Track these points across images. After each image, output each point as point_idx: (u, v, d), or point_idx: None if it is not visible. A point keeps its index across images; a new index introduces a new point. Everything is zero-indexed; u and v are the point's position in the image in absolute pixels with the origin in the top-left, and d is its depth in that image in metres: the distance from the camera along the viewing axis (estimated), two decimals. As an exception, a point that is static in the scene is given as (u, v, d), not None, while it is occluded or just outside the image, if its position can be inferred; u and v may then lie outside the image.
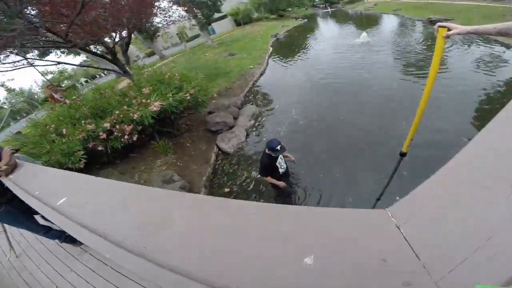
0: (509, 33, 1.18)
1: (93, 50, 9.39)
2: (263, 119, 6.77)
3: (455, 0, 15.69)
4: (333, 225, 0.68)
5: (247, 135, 5.99)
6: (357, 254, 0.59)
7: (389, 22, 16.36)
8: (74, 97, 5.05)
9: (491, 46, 7.48)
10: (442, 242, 0.53)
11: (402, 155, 2.04)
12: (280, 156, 3.15)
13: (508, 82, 5.32)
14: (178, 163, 4.97)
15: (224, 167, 5.06)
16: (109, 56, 7.97)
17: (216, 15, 24.59)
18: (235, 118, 6.51)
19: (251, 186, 4.34)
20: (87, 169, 4.37)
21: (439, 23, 1.29)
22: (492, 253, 0.48)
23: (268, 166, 3.09)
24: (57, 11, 5.54)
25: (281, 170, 3.22)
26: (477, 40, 8.03)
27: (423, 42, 9.77)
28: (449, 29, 1.26)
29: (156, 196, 1.14)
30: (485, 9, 11.58)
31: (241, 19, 34.34)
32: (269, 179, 3.17)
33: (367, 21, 19.20)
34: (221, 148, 5.50)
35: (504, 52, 6.89)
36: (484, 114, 4.60)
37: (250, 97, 8.49)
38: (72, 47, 6.12)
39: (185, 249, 0.78)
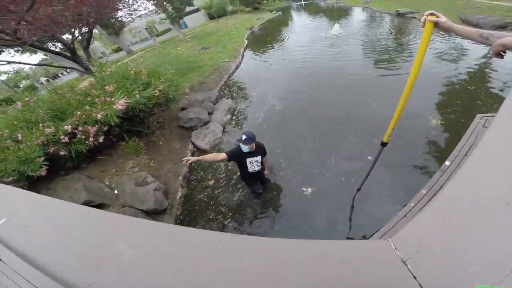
0: (489, 40, 1.15)
1: (50, 48, 8.63)
2: (241, 110, 6.67)
3: (420, -7, 16.38)
4: (330, 261, 0.58)
5: (224, 130, 5.80)
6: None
7: (360, 15, 16.79)
8: (26, 98, 4.55)
9: (451, 39, 7.99)
10: (455, 278, 0.46)
11: (383, 144, 2.03)
12: (257, 159, 3.03)
13: (468, 71, 5.80)
14: (152, 164, 4.69)
15: (200, 167, 4.85)
16: (67, 54, 7.33)
17: (188, 8, 23.72)
18: (210, 113, 6.27)
19: (235, 177, 4.28)
20: (50, 176, 4.01)
21: (429, 11, 1.25)
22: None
23: (233, 153, 2.95)
24: (3, 7, 4.93)
25: (250, 169, 3.09)
26: (440, 33, 8.40)
27: (391, 34, 10.41)
28: (437, 17, 1.23)
29: (103, 219, 0.98)
30: (447, 2, 12.19)
31: (215, 13, 33.49)
32: (217, 154, 2.94)
33: (339, 14, 19.55)
34: (196, 145, 5.27)
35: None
36: (447, 98, 5.05)
37: (226, 91, 8.24)
38: (22, 45, 5.52)
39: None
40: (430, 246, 0.52)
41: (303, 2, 36.57)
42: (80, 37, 9.10)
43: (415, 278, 0.47)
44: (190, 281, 0.60)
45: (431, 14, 1.23)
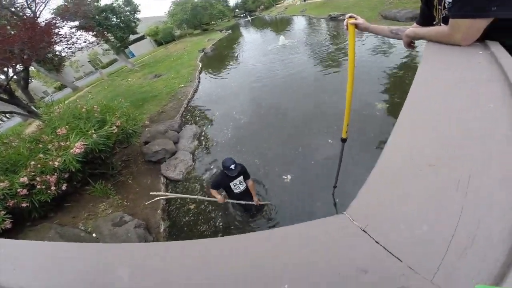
0: (398, 34, 1.39)
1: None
2: (207, 133, 6.75)
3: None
4: (290, 246, 0.61)
5: (194, 157, 5.74)
6: (332, 271, 0.52)
7: (299, 23, 18.39)
8: None
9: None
10: (415, 236, 0.51)
11: (343, 140, 2.15)
12: (239, 179, 3.18)
13: (401, 65, 6.65)
14: (125, 203, 4.44)
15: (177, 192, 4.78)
16: (4, 96, 6.66)
17: (132, 36, 23.18)
18: (176, 143, 6.14)
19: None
20: (17, 228, 3.69)
21: (348, 14, 1.43)
22: (471, 234, 0.48)
23: (219, 182, 3.17)
24: None
25: (236, 191, 3.24)
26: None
27: (327, 36, 11.85)
28: (355, 19, 1.42)
29: (94, 252, 0.95)
30: (369, 2, 13.87)
31: (162, 39, 33.22)
32: (213, 192, 3.23)
33: (282, 24, 21.03)
34: (168, 177, 5.11)
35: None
36: (387, 86, 5.81)
37: (188, 117, 8.16)
38: None
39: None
40: (382, 212, 0.57)
41: (249, 18, 38.32)
42: (15, 77, 8.34)
43: (377, 242, 0.51)
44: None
45: (351, 17, 1.42)
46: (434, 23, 1.24)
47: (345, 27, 1.43)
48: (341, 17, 14.25)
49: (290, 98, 7.04)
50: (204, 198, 3.48)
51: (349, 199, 0.66)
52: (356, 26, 1.41)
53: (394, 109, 4.88)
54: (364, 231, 0.55)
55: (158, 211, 4.23)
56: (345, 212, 0.61)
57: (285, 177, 4.21)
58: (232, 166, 2.91)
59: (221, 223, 3.87)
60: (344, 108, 1.81)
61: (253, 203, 3.41)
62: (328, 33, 12.38)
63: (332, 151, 4.37)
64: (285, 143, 5.09)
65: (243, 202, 3.37)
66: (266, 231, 0.67)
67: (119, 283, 0.71)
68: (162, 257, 0.79)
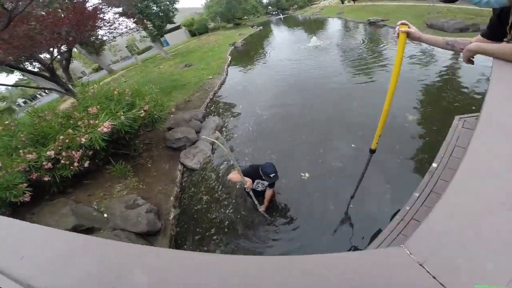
0: (455, 47, 1.26)
1: (28, 68, 8.36)
2: (229, 125, 6.78)
3: (386, 1, 17.47)
4: (345, 274, 0.58)
5: (213, 148, 5.78)
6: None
7: (335, 25, 17.72)
8: (6, 122, 4.34)
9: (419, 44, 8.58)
10: (477, 275, 0.48)
11: (372, 152, 2.06)
12: (263, 182, 3.24)
13: (440, 76, 6.16)
14: (141, 186, 4.56)
15: (191, 183, 4.84)
16: (46, 74, 7.12)
17: (169, 26, 23.92)
18: (198, 132, 6.23)
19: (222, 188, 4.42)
20: (35, 201, 3.81)
21: (400, 21, 1.33)
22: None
23: (247, 172, 3.16)
24: None
25: (254, 187, 3.26)
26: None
27: (364, 42, 11.12)
28: (408, 27, 1.31)
29: (105, 248, 0.93)
30: (413, 9, 13.10)
31: (196, 30, 33.97)
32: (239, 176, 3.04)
33: (316, 25, 20.48)
34: (186, 165, 5.19)
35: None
36: (421, 98, 5.45)
37: (212, 108, 8.26)
38: (-1, 65, 5.34)
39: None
40: (443, 247, 0.54)
41: (281, 16, 37.99)
42: (59, 57, 8.91)
43: (434, 278, 0.49)
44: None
45: (403, 24, 1.31)
46: (505, 40, 1.08)
47: (395, 34, 1.34)
48: (380, 23, 13.51)
49: (316, 99, 6.88)
50: (235, 162, 3.11)
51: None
52: (408, 34, 1.31)
53: (425, 122, 4.59)
54: (422, 266, 0.52)
55: (171, 198, 4.30)
56: (402, 245, 0.58)
57: (303, 175, 4.22)
58: (272, 175, 2.95)
59: (231, 211, 3.89)
60: (378, 118, 1.70)
61: (259, 207, 3.33)
62: (365, 38, 11.70)
63: (354, 156, 4.26)
64: (306, 143, 5.03)
65: (254, 198, 3.27)
66: (312, 256, 0.64)
67: (127, 285, 0.69)
68: (177, 264, 0.76)
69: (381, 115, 1.67)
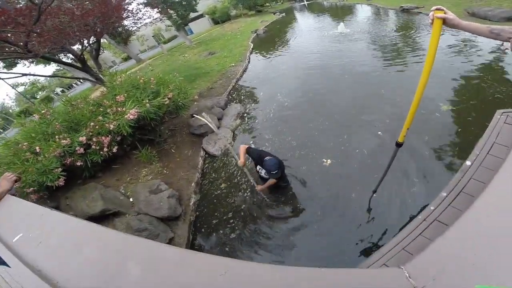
0: (501, 35, 1.12)
1: (61, 59, 8.88)
2: (250, 112, 6.78)
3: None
4: None
5: (234, 135, 5.81)
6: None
7: (364, 12, 16.56)
8: (43, 111, 4.67)
9: (459, 32, 7.72)
10: None
11: (398, 145, 1.93)
12: (264, 171, 3.27)
13: (481, 67, 5.56)
14: (165, 171, 4.74)
15: (212, 169, 4.96)
16: (78, 64, 7.51)
17: (192, 14, 24.02)
18: (220, 119, 6.29)
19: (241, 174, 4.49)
20: (68, 186, 4.12)
21: (435, 7, 1.19)
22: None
23: (253, 153, 3.30)
24: (12, 20, 5.08)
25: (258, 170, 3.41)
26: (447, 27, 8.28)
27: (397, 30, 10.24)
28: (445, 13, 1.18)
29: (111, 239, 1.00)
30: None
31: (219, 18, 33.81)
32: (242, 149, 3.30)
33: (343, 12, 19.35)
34: (207, 151, 5.29)
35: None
36: (458, 89, 5.00)
37: (234, 95, 8.28)
38: (34, 57, 5.69)
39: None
40: (447, 275, 0.50)
41: (306, 2, 36.46)
42: (89, 48, 9.35)
43: None
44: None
45: (438, 10, 1.18)
46: None
47: (429, 21, 1.20)
48: (415, 9, 12.35)
49: (342, 87, 6.62)
50: (231, 148, 3.59)
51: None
52: (444, 21, 1.18)
53: (460, 114, 4.24)
54: None
55: (192, 184, 4.42)
56: (402, 267, 0.54)
57: (325, 161, 4.16)
58: (274, 172, 3.01)
59: (248, 195, 3.97)
60: (407, 108, 1.57)
61: (255, 185, 3.45)
62: (397, 26, 10.76)
63: (380, 144, 4.11)
64: (330, 130, 4.95)
65: (249, 176, 3.40)
66: (311, 269, 0.63)
67: (126, 273, 0.72)
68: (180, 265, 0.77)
69: (411, 106, 1.54)
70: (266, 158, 3.11)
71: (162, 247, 1.03)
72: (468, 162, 2.66)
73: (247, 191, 4.04)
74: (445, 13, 1.17)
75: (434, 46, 1.26)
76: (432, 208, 2.34)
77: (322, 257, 2.89)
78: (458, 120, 4.13)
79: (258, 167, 3.35)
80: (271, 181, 3.29)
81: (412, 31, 9.36)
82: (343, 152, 4.27)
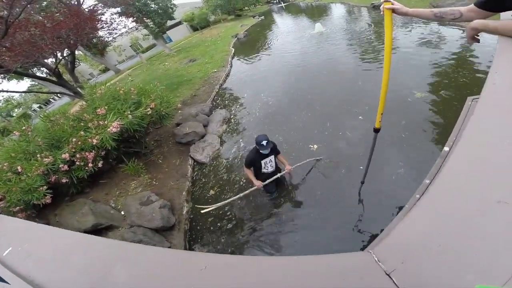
0: (444, 18, 1.23)
1: (35, 73, 8.55)
2: (236, 117, 6.82)
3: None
4: (308, 277, 0.54)
5: (221, 141, 5.80)
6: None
7: (338, 11, 17.08)
8: (23, 127, 4.47)
9: (427, 25, 8.22)
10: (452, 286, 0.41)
11: (376, 131, 2.02)
12: (270, 158, 3.29)
13: (452, 56, 5.85)
14: (154, 182, 4.66)
15: (201, 176, 4.92)
16: (53, 78, 7.26)
17: (170, 22, 23.79)
18: (206, 126, 6.25)
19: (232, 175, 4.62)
20: (56, 203, 4.02)
21: (384, 1, 1.34)
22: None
23: (251, 158, 3.25)
24: None
25: (264, 170, 3.34)
26: (416, 21, 8.72)
27: (367, 25, 10.79)
28: (392, 4, 1.33)
29: (97, 246, 1.02)
30: None
31: (197, 24, 33.62)
32: (248, 172, 3.35)
33: (318, 12, 19.87)
34: (196, 159, 5.24)
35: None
36: (431, 79, 5.25)
37: (218, 101, 8.24)
38: (6, 73, 5.45)
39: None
40: (417, 256, 0.46)
41: (283, 4, 37.06)
42: (64, 60, 9.05)
43: None
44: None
45: (386, 1, 1.32)
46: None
47: (381, 12, 1.36)
48: None
49: (321, 82, 7.00)
50: (245, 192, 3.36)
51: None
52: (393, 10, 1.33)
53: (433, 100, 4.60)
54: (389, 276, 0.45)
55: (183, 193, 4.36)
56: (371, 251, 0.51)
57: (311, 146, 4.53)
58: (264, 142, 2.99)
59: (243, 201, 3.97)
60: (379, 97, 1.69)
61: (285, 171, 3.49)
62: (368, 22, 11.31)
63: (361, 126, 4.55)
64: (313, 120, 5.32)
65: (275, 177, 3.42)
66: (284, 257, 0.65)
67: (114, 278, 0.73)
68: (168, 264, 0.79)
69: (381, 93, 1.66)
70: (255, 140, 3.10)
71: (146, 249, 1.06)
72: (446, 148, 2.79)
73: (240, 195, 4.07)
74: (392, 3, 1.31)
75: (389, 34, 1.39)
76: (417, 196, 2.44)
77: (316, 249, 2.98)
78: (432, 104, 4.47)
79: (263, 165, 3.30)
80: (281, 158, 3.46)
81: (383, 27, 9.73)
82: (327, 136, 4.67)
